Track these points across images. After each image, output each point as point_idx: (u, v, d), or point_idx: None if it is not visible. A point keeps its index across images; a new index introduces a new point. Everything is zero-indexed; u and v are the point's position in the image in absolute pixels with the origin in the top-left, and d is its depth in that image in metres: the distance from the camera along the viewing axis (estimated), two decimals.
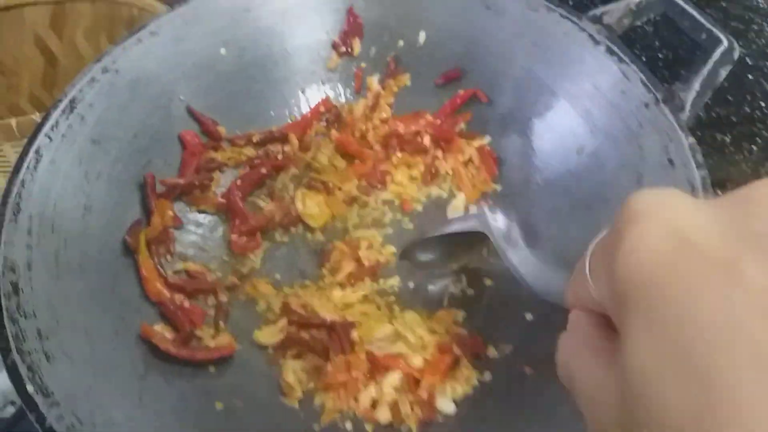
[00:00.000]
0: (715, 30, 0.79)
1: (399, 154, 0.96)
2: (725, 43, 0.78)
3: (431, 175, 0.95)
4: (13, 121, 0.99)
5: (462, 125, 0.97)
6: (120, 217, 0.84)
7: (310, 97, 1.01)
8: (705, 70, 0.77)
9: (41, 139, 0.79)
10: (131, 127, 0.88)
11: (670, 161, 0.75)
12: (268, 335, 0.82)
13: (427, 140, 0.95)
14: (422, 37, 0.99)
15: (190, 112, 0.94)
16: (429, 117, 0.97)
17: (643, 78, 0.81)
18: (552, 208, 0.88)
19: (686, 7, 0.81)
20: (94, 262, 0.79)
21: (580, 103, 0.87)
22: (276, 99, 0.99)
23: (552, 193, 0.89)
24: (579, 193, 0.86)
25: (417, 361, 0.79)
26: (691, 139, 0.75)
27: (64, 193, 0.79)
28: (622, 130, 0.82)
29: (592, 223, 0.83)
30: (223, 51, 0.96)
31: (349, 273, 0.86)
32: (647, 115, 0.79)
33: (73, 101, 0.83)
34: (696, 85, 0.77)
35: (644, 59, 1.01)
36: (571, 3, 0.91)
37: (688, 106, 0.77)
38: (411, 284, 0.88)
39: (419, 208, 0.94)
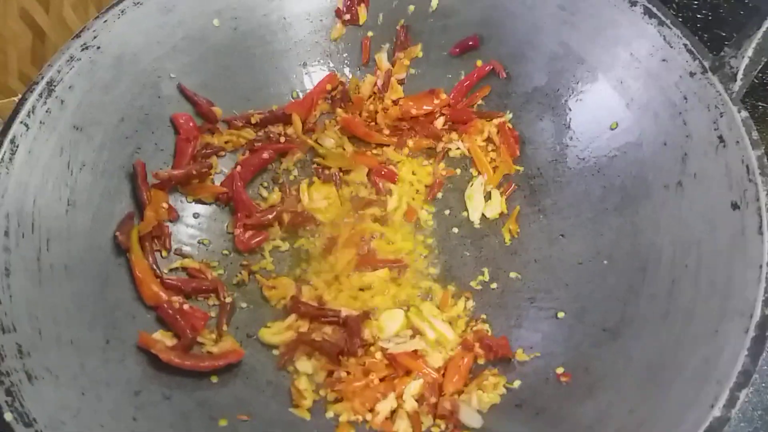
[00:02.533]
0: None
1: (411, 142, 0.88)
2: None
3: (443, 157, 0.88)
4: None
5: (480, 101, 0.89)
6: (108, 211, 0.77)
7: (312, 73, 0.92)
8: (760, 34, 0.68)
9: (16, 128, 0.71)
10: (117, 111, 0.80)
11: (721, 138, 0.67)
12: (276, 334, 0.76)
13: (440, 122, 0.88)
14: (435, 0, 0.90)
15: (182, 92, 0.85)
16: (443, 96, 0.88)
17: (688, 44, 0.72)
18: (583, 191, 0.80)
19: None
20: (81, 263, 0.71)
21: (614, 74, 0.79)
22: (275, 74, 0.90)
23: (582, 175, 0.81)
24: (613, 175, 0.78)
25: (436, 360, 0.73)
26: (744, 113, 0.67)
27: (45, 187, 0.71)
28: (663, 103, 0.73)
29: (629, 210, 0.75)
30: (216, 22, 0.86)
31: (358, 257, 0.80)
32: (693, 87, 0.71)
33: (50, 83, 0.75)
34: (749, 51, 0.68)
35: (681, 19, 0.92)
36: None
37: (740, 75, 0.68)
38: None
39: (428, 218, 0.86)
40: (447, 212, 0.85)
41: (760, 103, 0.97)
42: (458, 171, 0.88)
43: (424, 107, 0.87)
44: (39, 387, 0.59)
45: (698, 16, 0.89)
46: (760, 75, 0.90)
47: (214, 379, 0.72)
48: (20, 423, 0.55)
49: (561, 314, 0.74)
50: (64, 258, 0.70)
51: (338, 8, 0.90)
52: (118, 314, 0.71)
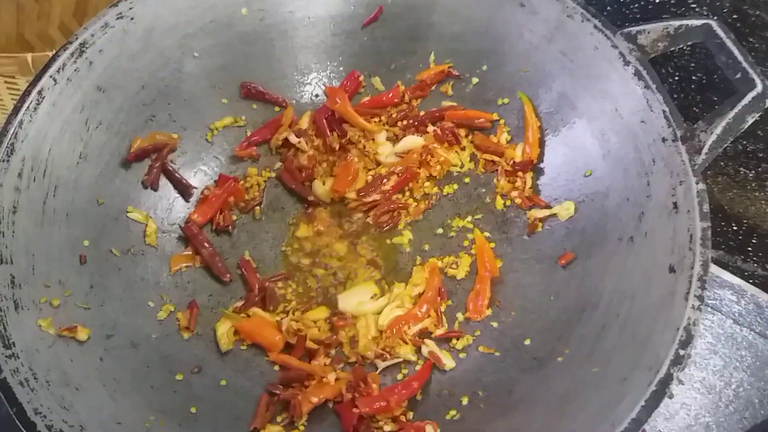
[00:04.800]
0: (751, 71, 0.73)
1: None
2: (759, 87, 0.73)
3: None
4: (29, 56, 0.98)
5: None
6: (115, 169, 0.85)
7: (323, 72, 0.98)
8: (731, 114, 0.73)
9: (45, 81, 0.78)
10: (139, 79, 0.87)
11: (675, 205, 0.72)
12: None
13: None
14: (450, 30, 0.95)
15: (249, 90, 0.94)
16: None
17: (666, 111, 0.76)
18: (549, 228, 0.86)
19: (727, 41, 0.75)
20: (82, 213, 0.79)
21: (598, 124, 0.84)
22: (291, 68, 0.97)
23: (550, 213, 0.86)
24: (578, 218, 0.83)
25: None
26: (701, 186, 0.71)
27: (62, 138, 0.79)
28: (635, 161, 0.78)
29: (584, 254, 0.80)
30: (244, 11, 0.93)
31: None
32: (663, 151, 0.75)
33: (83, 45, 0.82)
34: (718, 129, 0.73)
35: (676, 78, 0.96)
36: (606, 15, 0.85)
37: (705, 149, 0.73)
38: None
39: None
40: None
41: (741, 168, 1.00)
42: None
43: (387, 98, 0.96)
44: (23, 316, 0.67)
45: (693, 78, 0.93)
46: (744, 142, 0.94)
47: (186, 335, 0.80)
48: (0, 344, 0.63)
49: (502, 337, 0.80)
50: (67, 205, 0.78)
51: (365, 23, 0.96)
52: (105, 264, 0.79)
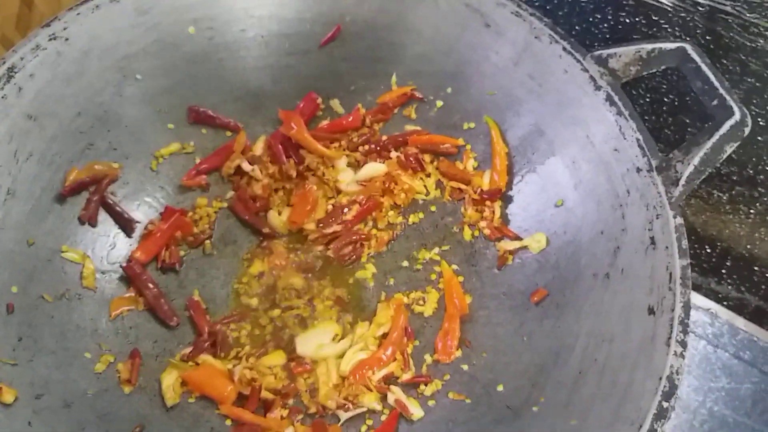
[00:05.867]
0: (728, 98, 0.70)
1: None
2: (737, 115, 0.69)
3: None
4: None
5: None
6: (47, 206, 0.77)
7: (284, 92, 0.91)
8: (709, 144, 0.69)
9: None
10: (75, 105, 0.79)
11: (652, 240, 0.68)
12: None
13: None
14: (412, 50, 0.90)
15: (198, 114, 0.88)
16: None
17: (640, 139, 0.72)
18: (520, 261, 0.81)
19: (702, 65, 0.72)
20: (9, 255, 0.71)
21: (569, 151, 0.79)
22: (243, 91, 0.90)
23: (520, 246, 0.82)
24: (550, 251, 0.79)
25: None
26: (679, 220, 0.67)
27: None
28: (608, 192, 0.74)
29: (557, 291, 0.76)
30: (191, 29, 0.86)
31: None
32: (637, 182, 0.71)
33: (11, 69, 0.74)
34: (696, 160, 0.69)
35: (648, 99, 0.93)
36: (574, 35, 0.81)
37: (682, 181, 0.69)
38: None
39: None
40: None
41: (715, 191, 0.98)
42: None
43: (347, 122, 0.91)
44: None
45: (665, 99, 0.90)
46: (719, 165, 0.91)
47: (126, 389, 0.73)
48: None
49: (473, 382, 0.75)
50: None
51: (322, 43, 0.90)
52: (35, 313, 0.71)
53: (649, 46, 0.74)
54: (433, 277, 0.84)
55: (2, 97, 0.73)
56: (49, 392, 0.67)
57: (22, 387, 0.65)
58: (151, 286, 0.79)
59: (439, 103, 0.90)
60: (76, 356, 0.72)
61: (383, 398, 0.75)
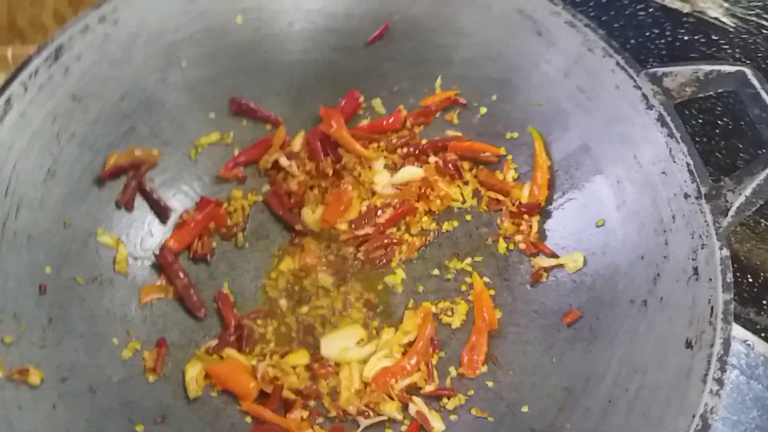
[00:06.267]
0: None
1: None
2: None
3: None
4: (8, 51, 0.91)
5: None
6: (86, 187, 0.77)
7: (327, 88, 0.90)
8: (763, 175, 0.66)
9: (15, 88, 0.71)
10: (119, 88, 0.80)
11: (696, 271, 0.65)
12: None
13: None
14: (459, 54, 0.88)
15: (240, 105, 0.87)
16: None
17: (691, 164, 0.70)
18: (554, 279, 0.79)
19: (762, 92, 0.69)
20: (46, 236, 0.72)
21: (614, 170, 0.77)
22: (287, 85, 0.89)
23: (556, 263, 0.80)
24: (587, 272, 0.77)
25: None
26: (726, 252, 0.65)
27: (29, 152, 0.72)
28: (652, 215, 0.72)
29: (591, 314, 0.74)
30: (239, 19, 0.85)
31: None
32: (684, 208, 0.69)
33: (59, 49, 0.74)
34: (747, 191, 0.66)
35: (700, 120, 0.90)
36: (629, 49, 0.78)
37: (732, 212, 0.66)
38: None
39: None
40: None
41: (762, 220, 0.94)
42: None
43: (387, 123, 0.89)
44: None
45: (719, 122, 0.86)
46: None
47: (151, 378, 0.73)
48: None
49: (497, 400, 0.73)
50: (30, 228, 0.71)
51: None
52: (67, 295, 0.72)
53: (707, 68, 0.71)
54: (464, 288, 0.82)
55: (49, 77, 0.74)
56: (75, 376, 0.68)
57: (49, 369, 0.66)
58: (181, 275, 0.79)
59: (483, 110, 0.88)
60: (104, 341, 0.73)
61: (404, 408, 0.74)
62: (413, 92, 0.90)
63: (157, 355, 0.73)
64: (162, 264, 0.79)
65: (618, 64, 0.76)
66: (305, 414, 0.73)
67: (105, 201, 0.79)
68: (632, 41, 0.87)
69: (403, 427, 0.73)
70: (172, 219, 0.83)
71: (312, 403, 0.74)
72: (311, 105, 0.90)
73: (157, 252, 0.80)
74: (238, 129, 0.89)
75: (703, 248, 0.66)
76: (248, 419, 0.73)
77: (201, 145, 0.87)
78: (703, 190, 0.68)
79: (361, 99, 0.90)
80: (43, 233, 0.72)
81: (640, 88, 0.74)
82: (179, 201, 0.85)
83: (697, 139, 0.89)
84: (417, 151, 0.89)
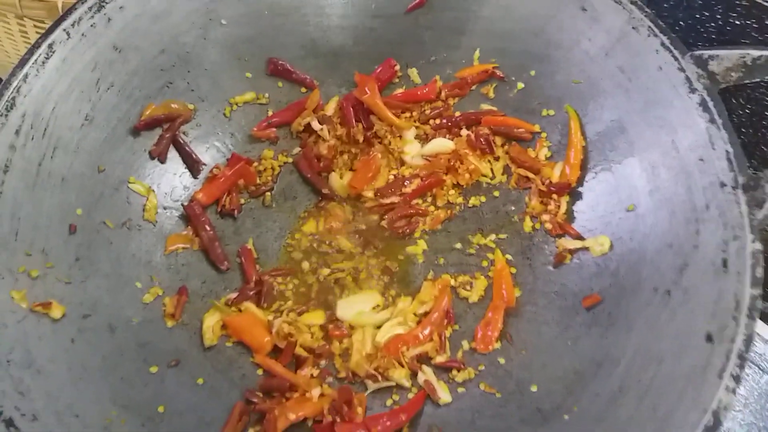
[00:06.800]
0: None
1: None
2: None
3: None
4: (59, 1, 0.93)
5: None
6: (121, 136, 0.79)
7: (364, 55, 0.90)
8: None
9: (58, 34, 0.73)
10: (160, 42, 0.81)
11: (725, 263, 0.63)
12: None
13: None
14: (500, 26, 0.86)
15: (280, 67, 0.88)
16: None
17: (730, 152, 0.66)
18: (578, 261, 0.77)
19: None
20: (79, 179, 0.74)
21: (650, 155, 0.74)
22: (323, 48, 0.89)
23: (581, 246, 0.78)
24: (611, 256, 0.75)
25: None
26: (758, 246, 0.62)
27: (68, 97, 0.74)
28: (685, 203, 0.69)
29: (612, 299, 0.72)
30: None
31: None
32: (719, 198, 0.66)
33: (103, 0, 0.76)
34: None
35: (747, 111, 0.86)
36: (677, 31, 0.75)
37: None
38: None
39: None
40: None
41: None
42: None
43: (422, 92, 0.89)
44: None
45: (766, 113, 0.82)
46: None
47: (169, 323, 0.75)
48: None
49: (507, 377, 0.73)
50: (64, 169, 0.73)
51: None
52: (96, 237, 0.74)
53: (756, 53, 0.68)
54: (485, 264, 0.81)
55: (92, 26, 0.76)
56: (96, 314, 0.70)
57: (71, 305, 0.68)
58: (208, 228, 0.81)
59: (520, 85, 0.86)
60: (127, 283, 0.75)
61: (413, 376, 0.74)
62: (450, 63, 0.89)
63: (177, 302, 0.75)
64: (190, 215, 0.81)
65: (663, 44, 0.73)
66: (315, 372, 0.74)
67: (139, 151, 0.81)
68: (681, 23, 0.83)
69: (410, 395, 0.73)
70: (203, 173, 0.85)
71: (323, 362, 0.75)
72: (347, 71, 0.90)
73: (185, 203, 0.82)
74: (273, 90, 0.89)
75: (735, 240, 0.63)
76: (259, 372, 0.74)
77: (236, 103, 0.88)
78: (741, 180, 0.65)
79: (397, 67, 0.90)
80: (77, 176, 0.74)
81: (684, 71, 0.71)
82: (211, 156, 0.86)
83: (743, 130, 0.85)
84: (449, 123, 0.88)
